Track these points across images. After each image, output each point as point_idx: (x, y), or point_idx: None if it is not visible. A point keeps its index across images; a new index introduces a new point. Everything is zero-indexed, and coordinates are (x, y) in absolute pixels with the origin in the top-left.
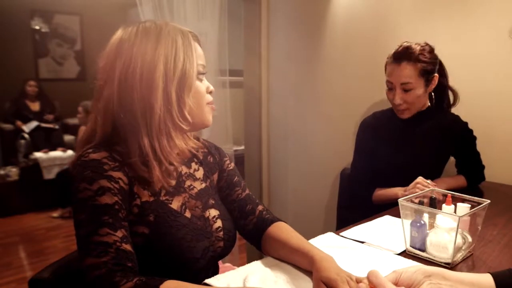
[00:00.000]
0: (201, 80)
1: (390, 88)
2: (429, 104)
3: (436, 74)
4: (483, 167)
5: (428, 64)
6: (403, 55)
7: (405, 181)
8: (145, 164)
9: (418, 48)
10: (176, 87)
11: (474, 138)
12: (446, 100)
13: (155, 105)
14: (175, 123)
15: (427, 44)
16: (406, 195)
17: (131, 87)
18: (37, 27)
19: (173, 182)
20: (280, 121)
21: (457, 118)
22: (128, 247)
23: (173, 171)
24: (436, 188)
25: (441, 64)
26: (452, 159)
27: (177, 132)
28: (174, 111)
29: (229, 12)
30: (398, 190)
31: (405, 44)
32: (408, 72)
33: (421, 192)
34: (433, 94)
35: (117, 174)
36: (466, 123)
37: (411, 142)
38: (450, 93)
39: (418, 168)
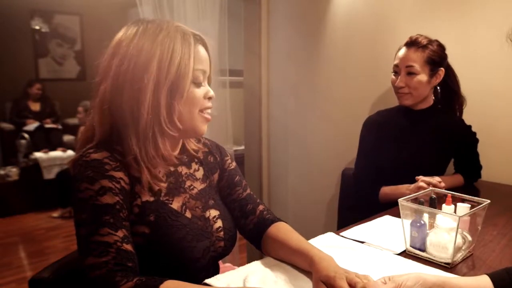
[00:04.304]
0: (199, 86)
1: (396, 72)
2: (432, 102)
3: (442, 69)
4: (480, 167)
5: (435, 54)
6: (413, 42)
7: (409, 179)
8: (137, 163)
9: (427, 39)
10: (167, 91)
11: (477, 140)
12: (456, 105)
13: (141, 108)
14: (162, 128)
15: (437, 40)
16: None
17: (122, 86)
18: (37, 27)
19: (164, 185)
20: (280, 121)
21: (460, 120)
22: (128, 247)
23: (160, 174)
24: (436, 188)
25: (451, 68)
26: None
27: (164, 138)
28: (162, 116)
29: (229, 12)
30: (405, 190)
31: (417, 35)
32: (414, 56)
33: (422, 192)
34: (438, 90)
35: (118, 174)
36: (469, 126)
37: (414, 141)
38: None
39: (421, 166)
